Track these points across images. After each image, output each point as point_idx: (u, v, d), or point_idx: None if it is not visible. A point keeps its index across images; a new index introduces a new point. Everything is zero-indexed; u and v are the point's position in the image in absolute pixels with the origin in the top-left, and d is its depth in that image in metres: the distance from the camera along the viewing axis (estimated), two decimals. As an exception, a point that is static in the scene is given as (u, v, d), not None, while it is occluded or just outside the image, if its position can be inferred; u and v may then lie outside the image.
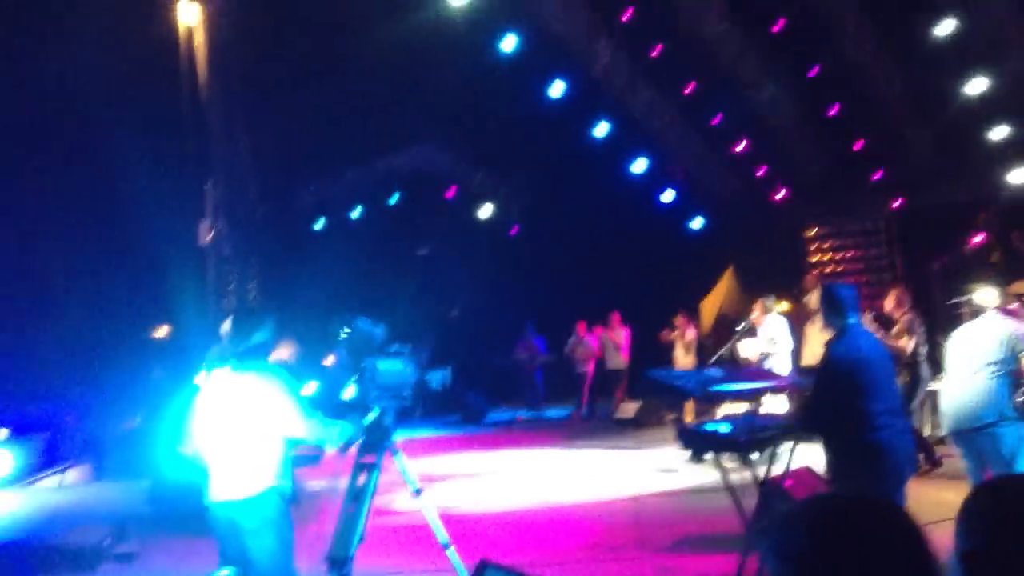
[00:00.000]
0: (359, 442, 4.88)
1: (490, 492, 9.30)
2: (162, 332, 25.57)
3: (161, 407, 16.27)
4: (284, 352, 9.45)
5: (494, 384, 15.97)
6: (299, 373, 10.45)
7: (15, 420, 16.26)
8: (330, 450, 4.65)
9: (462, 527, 7.57)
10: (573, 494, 8.98)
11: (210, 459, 4.27)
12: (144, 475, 11.05)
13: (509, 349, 15.82)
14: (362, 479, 4.94)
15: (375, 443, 4.94)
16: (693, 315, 15.01)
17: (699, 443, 5.73)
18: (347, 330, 4.79)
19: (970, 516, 1.53)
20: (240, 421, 4.19)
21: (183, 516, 7.54)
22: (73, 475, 12.44)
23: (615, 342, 15.05)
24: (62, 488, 11.52)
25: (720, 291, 18.36)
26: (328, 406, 4.63)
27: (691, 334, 12.87)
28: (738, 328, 10.51)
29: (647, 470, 9.72)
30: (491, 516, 8.12)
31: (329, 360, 11.67)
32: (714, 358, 10.49)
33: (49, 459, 13.27)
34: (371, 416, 4.86)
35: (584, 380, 15.21)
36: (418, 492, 5.11)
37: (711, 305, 18.15)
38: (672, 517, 7.56)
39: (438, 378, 5.25)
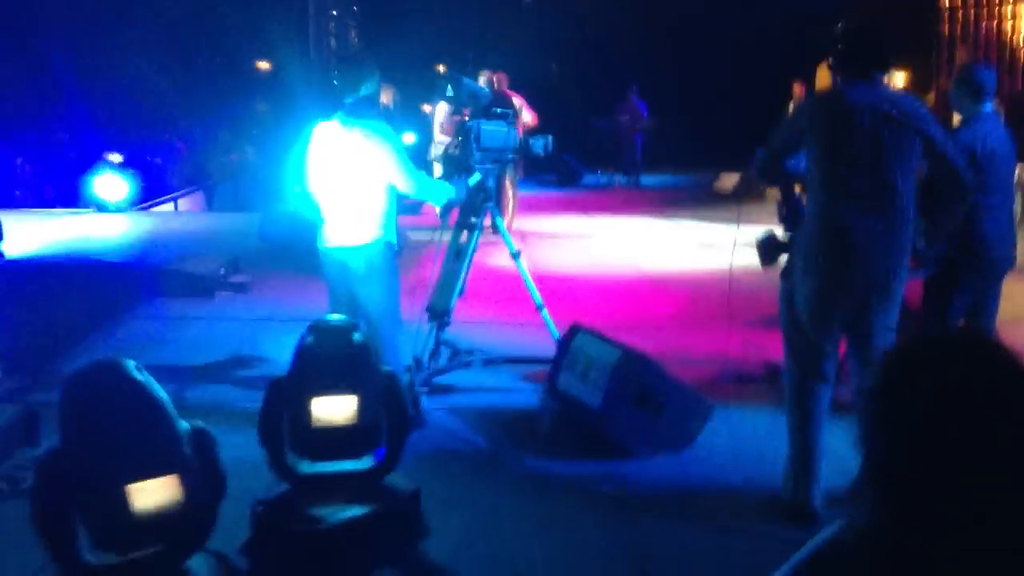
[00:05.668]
0: (461, 203, 4.96)
1: (583, 255, 9.47)
2: (264, 65, 25.72)
3: (265, 141, 16.77)
4: (384, 96, 9.42)
5: (592, 147, 15.79)
6: (398, 123, 10.49)
7: (128, 147, 16.99)
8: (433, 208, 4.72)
9: (554, 287, 7.80)
10: (664, 263, 9.09)
11: (323, 206, 4.42)
12: (253, 209, 11.61)
13: (610, 112, 15.46)
14: (463, 238, 5.09)
15: (477, 204, 5.02)
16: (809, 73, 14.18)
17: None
18: (450, 91, 4.73)
19: None
20: (349, 173, 4.29)
21: (291, 254, 7.95)
22: (185, 204, 13.08)
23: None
24: (175, 216, 12.16)
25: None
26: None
27: None
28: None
29: (743, 246, 9.69)
30: (582, 279, 8.31)
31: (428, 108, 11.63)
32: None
33: (162, 186, 13.96)
34: (475, 178, 4.90)
35: None
36: (516, 254, 5.24)
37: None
38: (765, 295, 7.59)
39: (540, 144, 5.20)
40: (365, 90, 4.30)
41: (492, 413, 4.84)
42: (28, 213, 11.29)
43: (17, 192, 14.35)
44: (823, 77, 7.18)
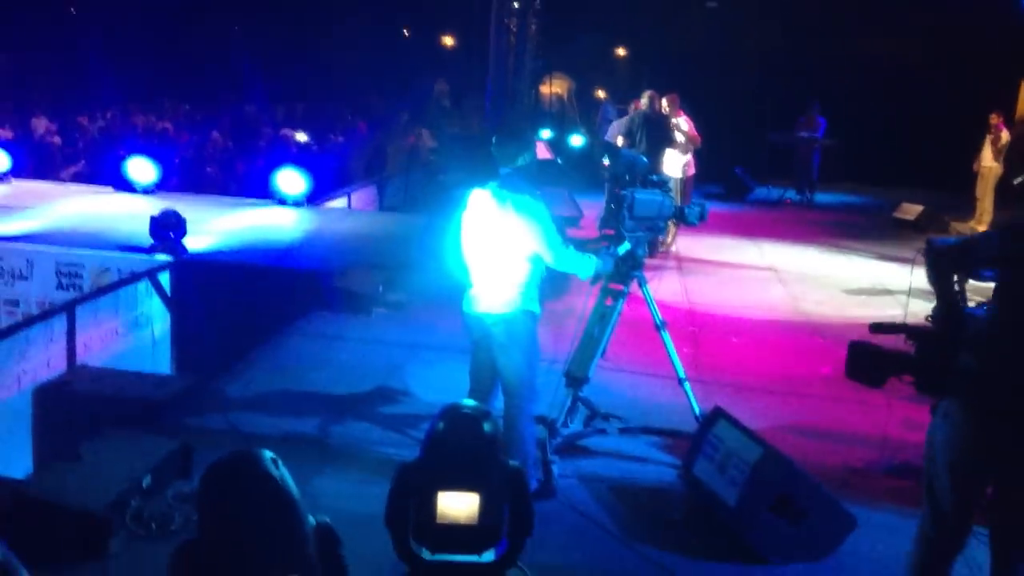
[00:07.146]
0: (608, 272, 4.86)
1: (740, 290, 9.13)
2: (449, 41, 26.17)
3: (440, 125, 17.06)
4: (560, 87, 9.34)
5: (767, 161, 15.21)
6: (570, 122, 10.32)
7: (313, 125, 17.71)
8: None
9: (705, 326, 7.59)
10: (828, 307, 8.65)
11: (471, 273, 4.45)
12: (420, 208, 11.90)
13: (789, 125, 14.81)
14: (608, 303, 5.00)
15: (625, 272, 4.92)
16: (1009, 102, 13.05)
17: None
18: (607, 160, 4.63)
19: None
20: (498, 244, 4.29)
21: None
22: (358, 198, 13.49)
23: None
24: (347, 213, 12.55)
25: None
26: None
27: (1004, 136, 11.39)
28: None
29: (920, 291, 9.08)
30: (736, 318, 8.03)
31: None
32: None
33: (338, 177, 14.43)
34: (624, 247, 4.80)
35: None
36: (660, 325, 5.10)
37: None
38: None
39: (696, 212, 5.02)
40: (521, 161, 4.29)
41: (624, 487, 4.75)
42: (215, 201, 11.94)
43: (208, 168, 15.20)
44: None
